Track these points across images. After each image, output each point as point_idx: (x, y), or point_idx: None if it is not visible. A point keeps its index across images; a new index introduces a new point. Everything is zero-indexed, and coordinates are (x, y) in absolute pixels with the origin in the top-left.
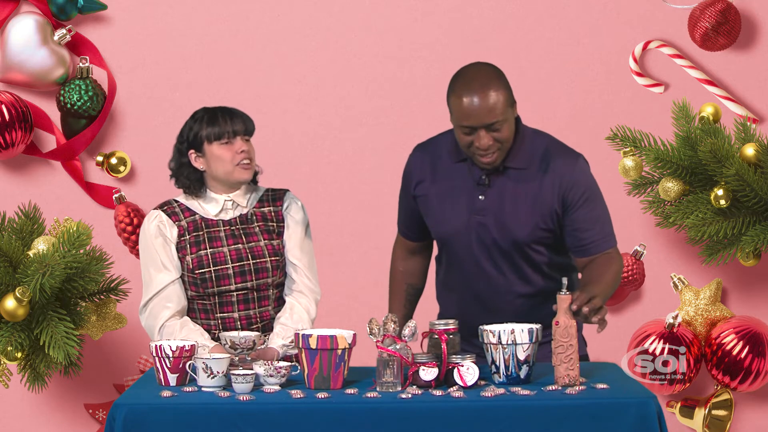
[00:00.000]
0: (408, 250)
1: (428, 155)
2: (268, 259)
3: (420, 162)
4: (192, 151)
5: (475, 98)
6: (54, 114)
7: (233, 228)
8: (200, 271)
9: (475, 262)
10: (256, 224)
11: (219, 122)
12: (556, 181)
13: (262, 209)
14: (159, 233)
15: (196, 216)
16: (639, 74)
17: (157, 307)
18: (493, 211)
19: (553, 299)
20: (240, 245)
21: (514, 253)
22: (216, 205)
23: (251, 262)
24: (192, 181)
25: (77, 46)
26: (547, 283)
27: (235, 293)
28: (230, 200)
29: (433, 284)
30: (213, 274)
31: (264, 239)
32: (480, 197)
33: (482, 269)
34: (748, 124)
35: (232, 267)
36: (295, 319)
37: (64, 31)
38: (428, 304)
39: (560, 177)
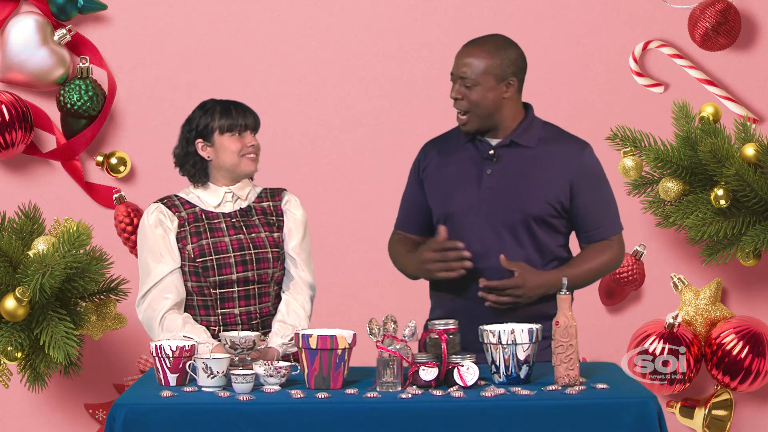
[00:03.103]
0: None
1: (436, 144)
2: (270, 250)
3: (428, 150)
4: (200, 140)
5: (462, 50)
6: (54, 114)
7: (234, 220)
8: (202, 259)
9: (480, 237)
10: (256, 217)
11: (232, 115)
12: (564, 163)
13: (262, 204)
14: (159, 224)
15: (196, 208)
16: (639, 74)
17: (156, 298)
18: (500, 183)
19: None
20: (241, 236)
21: (521, 229)
22: (216, 197)
23: (252, 252)
24: (197, 169)
25: (77, 46)
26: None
27: (236, 289)
28: (230, 192)
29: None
30: (215, 263)
31: (265, 231)
32: (488, 171)
33: (487, 245)
34: (748, 124)
35: (234, 256)
36: (292, 316)
37: (64, 31)
38: (427, 303)
39: (568, 160)
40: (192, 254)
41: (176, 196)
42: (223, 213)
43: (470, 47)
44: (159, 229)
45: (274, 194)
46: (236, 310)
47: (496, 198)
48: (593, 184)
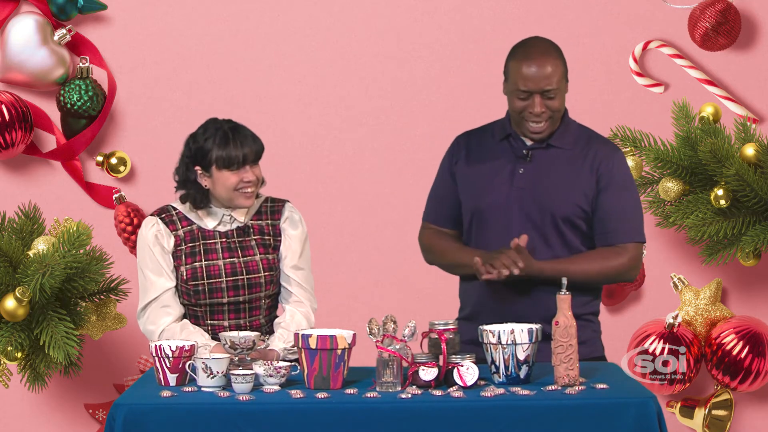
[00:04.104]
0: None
1: (470, 138)
2: (263, 274)
3: (461, 143)
4: (199, 168)
5: (534, 64)
6: (54, 114)
7: (230, 240)
8: (193, 282)
9: (509, 236)
10: (252, 237)
11: (230, 147)
12: (594, 164)
13: (260, 222)
14: (157, 242)
15: (194, 226)
16: (639, 74)
17: (156, 312)
18: (532, 184)
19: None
20: (235, 259)
21: (550, 230)
22: (214, 219)
23: (245, 277)
24: (198, 194)
25: (77, 46)
26: None
27: (226, 301)
28: (229, 215)
29: (432, 281)
30: (206, 287)
31: (260, 253)
32: (521, 170)
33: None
34: (748, 124)
35: (226, 281)
36: (296, 325)
37: (64, 31)
38: (427, 303)
39: (598, 161)
40: (185, 276)
41: (174, 209)
42: (219, 232)
43: (541, 58)
44: (157, 247)
45: (274, 211)
46: (226, 323)
47: (526, 197)
48: (616, 188)
